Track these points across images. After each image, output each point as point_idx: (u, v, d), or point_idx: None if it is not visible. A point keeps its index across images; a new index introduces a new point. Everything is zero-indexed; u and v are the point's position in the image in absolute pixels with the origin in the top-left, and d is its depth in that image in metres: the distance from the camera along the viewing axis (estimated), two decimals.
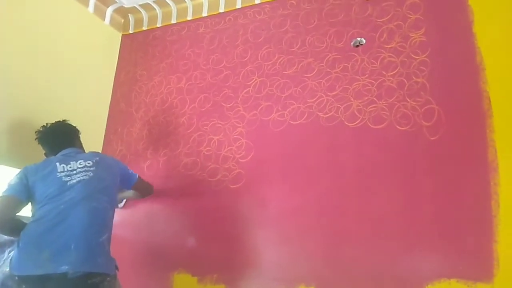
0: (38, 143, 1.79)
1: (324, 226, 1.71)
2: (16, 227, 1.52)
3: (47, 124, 1.80)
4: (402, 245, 1.56)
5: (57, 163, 1.63)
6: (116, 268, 1.57)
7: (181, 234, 2.03)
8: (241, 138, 2.04)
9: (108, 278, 1.48)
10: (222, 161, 2.05)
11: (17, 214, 1.56)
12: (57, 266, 1.38)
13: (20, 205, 1.56)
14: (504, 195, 1.45)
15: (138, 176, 1.90)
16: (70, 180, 1.58)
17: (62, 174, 1.59)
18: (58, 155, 1.71)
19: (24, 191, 1.57)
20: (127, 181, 1.86)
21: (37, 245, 1.44)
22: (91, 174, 1.62)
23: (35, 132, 1.79)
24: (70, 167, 1.62)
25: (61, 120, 1.84)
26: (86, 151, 1.83)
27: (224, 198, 1.98)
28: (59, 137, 1.77)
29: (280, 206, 1.83)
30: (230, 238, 1.90)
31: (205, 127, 2.16)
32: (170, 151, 2.22)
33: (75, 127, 1.87)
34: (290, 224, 1.78)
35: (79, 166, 1.63)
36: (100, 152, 2.42)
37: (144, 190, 2.00)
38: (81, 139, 1.88)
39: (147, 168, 2.25)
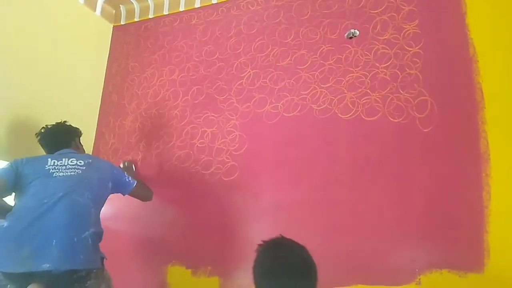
0: (39, 144, 1.80)
1: (317, 217, 1.72)
2: (1, 207, 1.52)
3: (46, 125, 1.81)
4: (395, 236, 1.57)
5: (49, 159, 1.65)
6: (103, 259, 1.57)
7: (175, 227, 2.03)
8: (235, 130, 2.03)
9: (94, 270, 1.48)
10: (215, 154, 2.04)
11: (2, 198, 1.57)
12: (38, 264, 1.36)
13: (6, 190, 1.55)
14: (495, 186, 1.46)
15: (137, 183, 1.87)
16: (57, 172, 1.58)
17: (51, 167, 1.60)
18: (54, 154, 1.72)
19: (13, 176, 1.56)
20: (121, 188, 1.82)
21: (17, 241, 1.40)
22: (80, 172, 1.62)
23: (35, 134, 1.80)
24: (61, 163, 1.63)
25: (61, 121, 1.85)
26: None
27: (217, 191, 1.98)
28: (56, 139, 1.78)
29: (274, 198, 1.84)
30: (224, 231, 1.90)
31: (198, 120, 2.15)
32: (163, 144, 2.21)
33: (74, 129, 1.87)
34: (283, 216, 1.79)
35: (70, 163, 1.63)
36: (93, 144, 2.42)
37: (141, 197, 1.97)
38: (80, 141, 1.89)
39: (140, 161, 2.24)
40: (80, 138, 1.91)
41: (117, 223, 2.10)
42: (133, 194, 1.88)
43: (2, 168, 1.60)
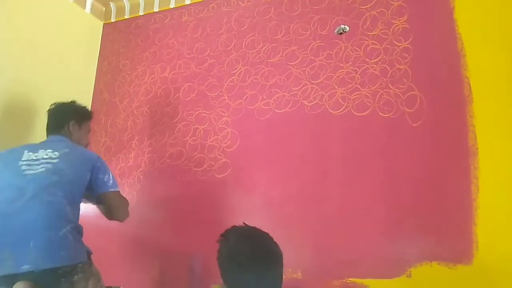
0: None
1: (309, 213, 1.73)
2: None
3: (55, 103, 1.70)
4: (386, 230, 1.59)
5: (26, 151, 1.53)
6: (89, 253, 1.52)
7: (167, 223, 2.03)
8: (227, 127, 2.04)
9: (80, 265, 1.43)
10: (208, 151, 2.05)
11: None
12: (18, 266, 1.32)
13: None
14: (483, 179, 1.48)
15: (114, 192, 1.59)
16: (28, 170, 1.47)
17: (24, 163, 1.49)
18: (40, 142, 1.63)
19: None
20: (94, 184, 1.56)
21: None
22: (50, 166, 1.49)
23: (47, 111, 1.70)
24: (36, 156, 1.51)
25: (70, 101, 1.72)
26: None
27: (210, 188, 1.98)
28: (51, 122, 1.68)
29: (266, 194, 1.85)
30: (216, 227, 1.90)
31: (190, 117, 2.15)
32: (155, 142, 2.21)
33: (73, 110, 1.71)
34: (276, 212, 1.80)
35: (44, 156, 1.51)
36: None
37: (112, 209, 1.62)
38: (81, 123, 1.71)
39: (133, 159, 2.23)
40: (83, 121, 1.73)
41: (110, 221, 2.09)
42: (104, 200, 1.58)
43: None
